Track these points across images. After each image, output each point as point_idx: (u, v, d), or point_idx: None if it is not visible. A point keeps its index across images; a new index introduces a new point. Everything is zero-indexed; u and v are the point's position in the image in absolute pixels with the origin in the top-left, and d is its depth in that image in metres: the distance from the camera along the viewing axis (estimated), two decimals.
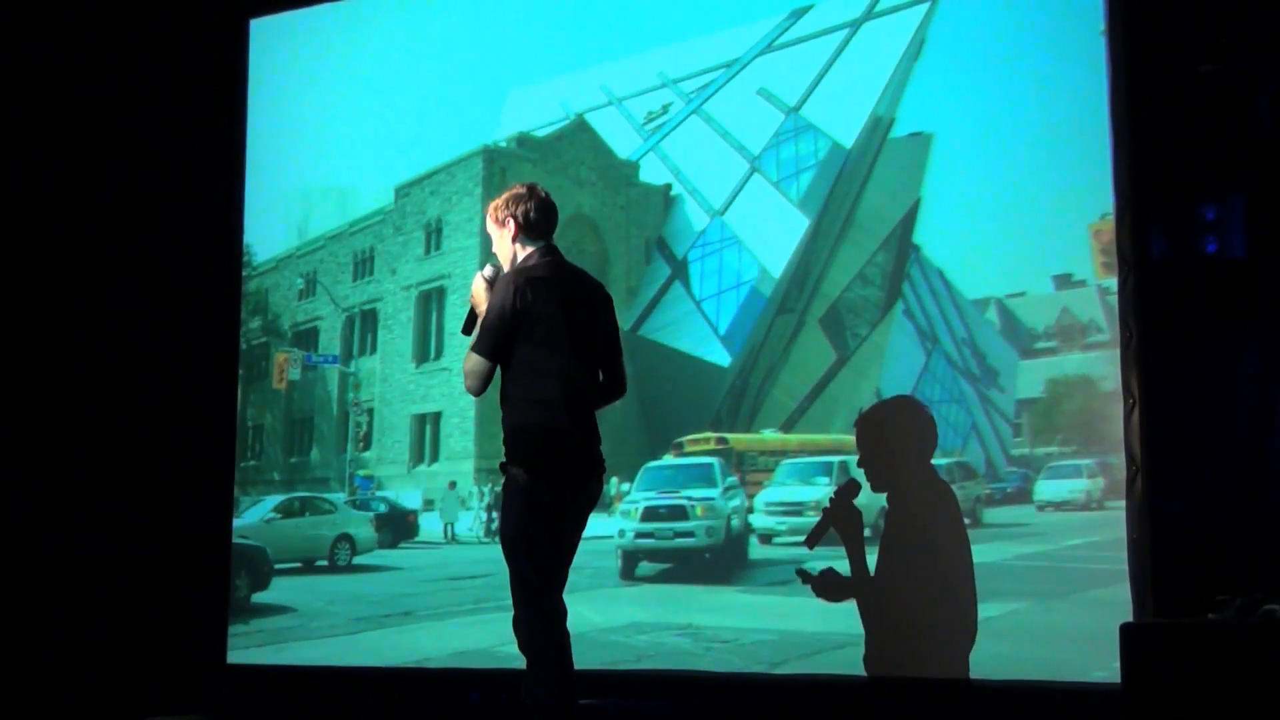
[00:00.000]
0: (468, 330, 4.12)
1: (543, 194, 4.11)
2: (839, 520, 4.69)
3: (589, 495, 4.02)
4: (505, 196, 4.11)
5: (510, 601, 3.92)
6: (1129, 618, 4.42)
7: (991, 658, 4.72)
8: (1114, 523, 4.62)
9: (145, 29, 6.58)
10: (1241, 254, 4.63)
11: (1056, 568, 4.66)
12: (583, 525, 4.03)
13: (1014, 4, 5.03)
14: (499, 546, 3.97)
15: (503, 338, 3.89)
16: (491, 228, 4.11)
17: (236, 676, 6.30)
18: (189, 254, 6.56)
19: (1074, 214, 4.85)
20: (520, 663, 3.95)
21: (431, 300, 6.50)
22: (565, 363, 3.94)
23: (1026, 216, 4.91)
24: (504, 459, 3.96)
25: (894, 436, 4.87)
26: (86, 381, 6.45)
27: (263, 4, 6.63)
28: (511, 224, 4.06)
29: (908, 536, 4.73)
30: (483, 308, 3.98)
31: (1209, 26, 4.65)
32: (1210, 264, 4.66)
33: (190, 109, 6.60)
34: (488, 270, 4.07)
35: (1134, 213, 4.72)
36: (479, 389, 3.94)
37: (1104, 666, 4.11)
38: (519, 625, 3.89)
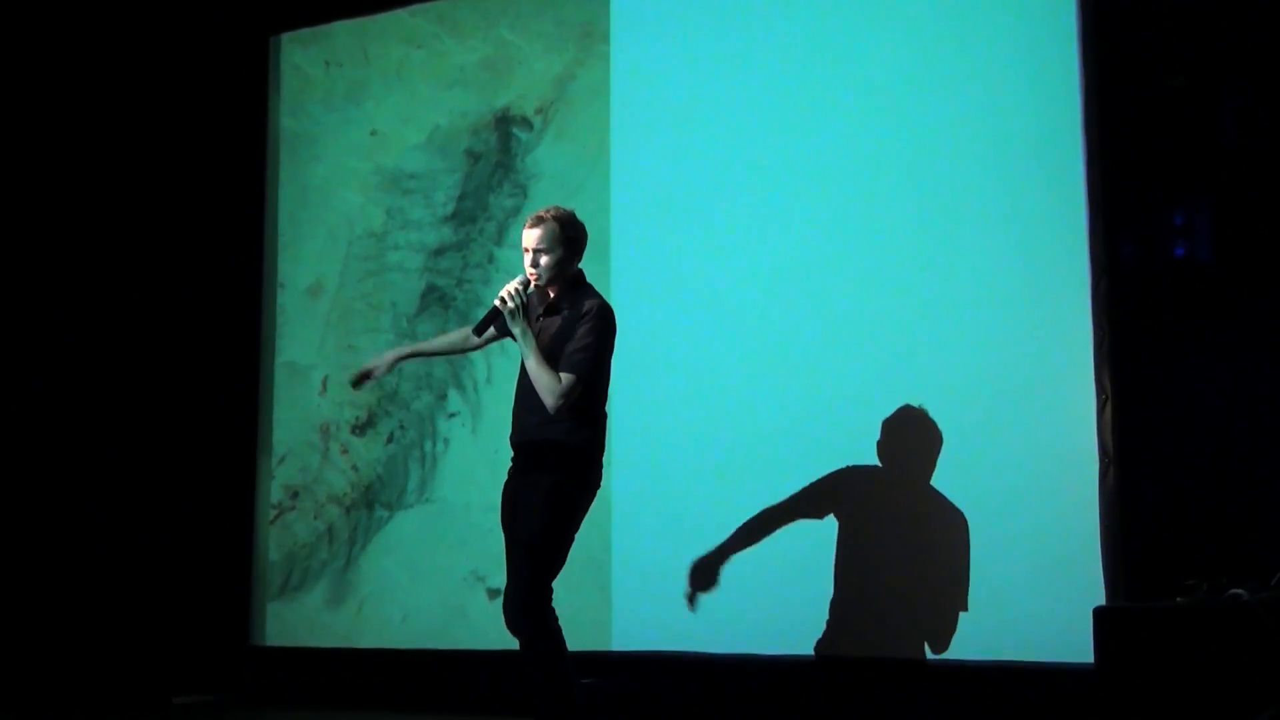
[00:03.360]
0: (480, 331, 4.11)
1: None
2: None
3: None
4: (571, 216, 4.09)
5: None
6: (1101, 601, 4.41)
7: (968, 639, 4.72)
8: (1088, 511, 4.60)
9: (167, 45, 6.59)
10: (1208, 258, 4.64)
11: (1032, 554, 4.64)
12: None
13: (989, 19, 5.00)
14: None
15: (602, 364, 4.00)
16: (558, 245, 4.01)
17: (259, 657, 6.29)
18: (213, 254, 6.59)
19: (1047, 220, 4.80)
20: (512, 645, 3.96)
21: None
22: (608, 381, 4.10)
23: (1001, 224, 4.89)
24: (543, 462, 3.97)
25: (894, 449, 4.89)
26: (114, 374, 6.47)
27: (285, 21, 6.63)
28: (581, 248, 4.10)
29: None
30: (520, 326, 3.93)
31: (1177, 42, 4.64)
32: (1178, 267, 4.66)
33: (213, 125, 6.61)
34: (519, 283, 4.00)
35: (1106, 218, 4.71)
36: (566, 408, 3.92)
37: (1077, 648, 4.09)
38: (522, 608, 3.89)
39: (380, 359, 4.48)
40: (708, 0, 5.55)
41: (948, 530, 4.78)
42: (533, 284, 4.03)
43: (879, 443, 4.90)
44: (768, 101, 5.36)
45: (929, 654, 4.77)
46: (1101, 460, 4.60)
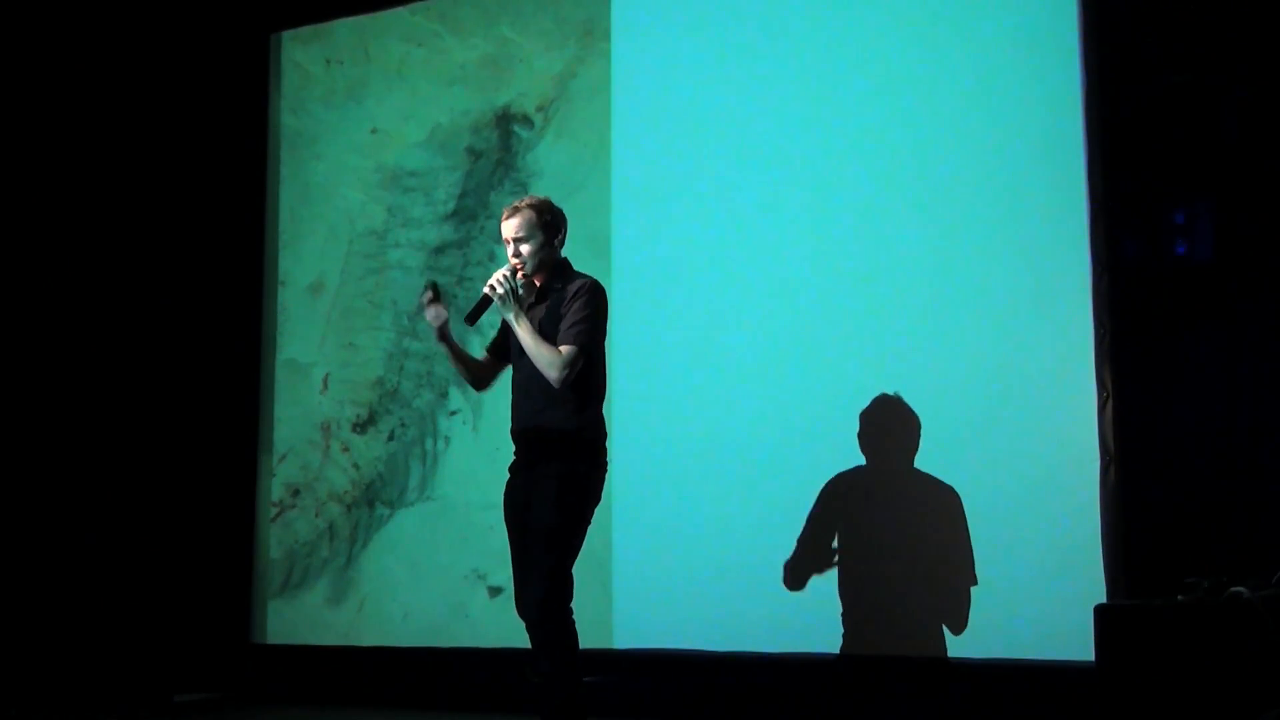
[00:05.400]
0: (473, 320, 4.06)
1: None
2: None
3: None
4: (547, 202, 4.09)
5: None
6: (1102, 599, 4.41)
7: (969, 637, 4.72)
8: (1089, 509, 4.60)
9: (168, 43, 6.59)
10: (1209, 256, 4.63)
11: (1033, 552, 4.64)
12: None
13: (991, 17, 5.00)
14: None
15: (598, 336, 3.96)
16: (536, 231, 4.02)
17: (260, 655, 6.29)
18: (214, 251, 6.60)
19: (1048, 217, 4.80)
20: (522, 641, 3.95)
21: None
22: (604, 365, 4.08)
23: (1002, 222, 4.89)
24: (550, 450, 3.95)
25: (878, 437, 4.90)
26: (114, 371, 6.46)
27: (286, 18, 6.63)
28: (562, 233, 4.08)
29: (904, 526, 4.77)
30: (512, 309, 3.92)
31: (1178, 40, 4.64)
32: (1179, 265, 4.66)
33: (214, 122, 6.61)
34: (507, 270, 4.01)
35: (1107, 216, 4.71)
36: (572, 380, 3.91)
37: (1078, 645, 4.08)
38: (545, 603, 3.85)
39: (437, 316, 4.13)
40: None
41: (943, 509, 4.78)
42: (520, 272, 4.03)
43: (861, 437, 4.92)
44: (769, 100, 5.36)
45: (949, 635, 4.76)
46: (1102, 458, 4.60)
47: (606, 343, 4.03)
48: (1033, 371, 4.75)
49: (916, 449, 4.86)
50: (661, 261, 5.49)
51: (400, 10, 6.35)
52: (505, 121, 6.04)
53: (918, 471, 4.85)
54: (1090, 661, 3.66)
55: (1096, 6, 4.80)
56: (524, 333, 3.92)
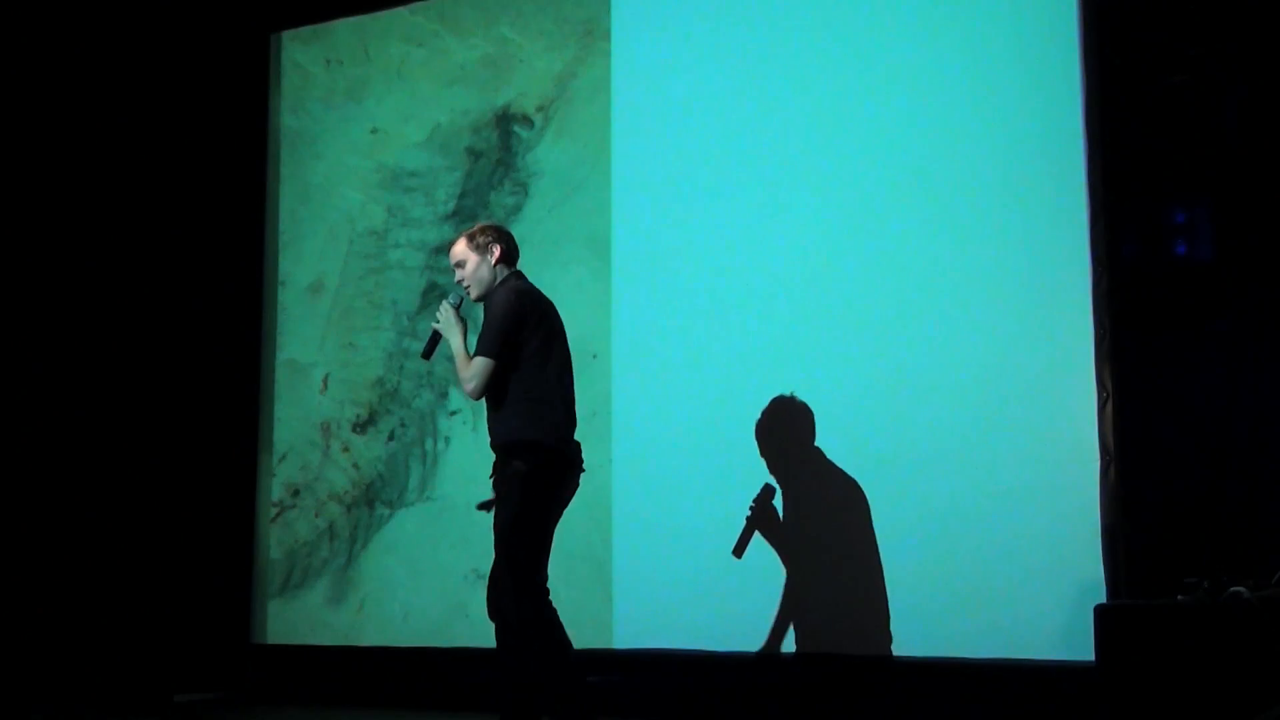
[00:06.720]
0: (428, 354, 4.31)
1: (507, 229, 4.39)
2: (761, 524, 4.88)
3: (573, 488, 4.18)
4: (481, 226, 4.31)
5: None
6: (1102, 599, 4.41)
7: (971, 636, 4.72)
8: (1088, 509, 4.59)
9: (168, 43, 6.59)
10: (1209, 256, 4.65)
11: (1032, 552, 4.64)
12: (560, 514, 4.18)
13: (991, 16, 5.00)
14: None
15: (507, 341, 4.03)
16: (468, 253, 4.22)
17: (260, 655, 6.28)
18: (214, 251, 6.60)
19: (1048, 218, 4.80)
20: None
21: None
22: (555, 367, 4.13)
23: (1002, 222, 4.89)
24: (501, 454, 4.13)
25: (782, 435, 5.01)
26: (115, 371, 6.46)
27: (286, 18, 6.63)
28: (497, 250, 4.21)
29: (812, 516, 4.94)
30: (452, 333, 4.14)
31: (1179, 40, 4.64)
32: (1179, 265, 4.67)
33: (214, 123, 6.61)
34: (453, 298, 4.23)
35: (1107, 216, 4.71)
36: (482, 391, 4.07)
37: (1078, 645, 4.09)
38: (502, 596, 4.07)
39: None
40: None
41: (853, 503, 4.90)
42: (466, 296, 4.23)
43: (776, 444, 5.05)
44: (769, 100, 5.36)
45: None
46: (1102, 458, 4.60)
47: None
48: (1033, 371, 4.75)
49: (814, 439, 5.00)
50: (661, 261, 5.49)
51: (400, 10, 6.36)
52: (505, 121, 6.04)
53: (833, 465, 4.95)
54: (1090, 661, 3.66)
55: (1096, 6, 4.80)
56: (454, 353, 4.14)
